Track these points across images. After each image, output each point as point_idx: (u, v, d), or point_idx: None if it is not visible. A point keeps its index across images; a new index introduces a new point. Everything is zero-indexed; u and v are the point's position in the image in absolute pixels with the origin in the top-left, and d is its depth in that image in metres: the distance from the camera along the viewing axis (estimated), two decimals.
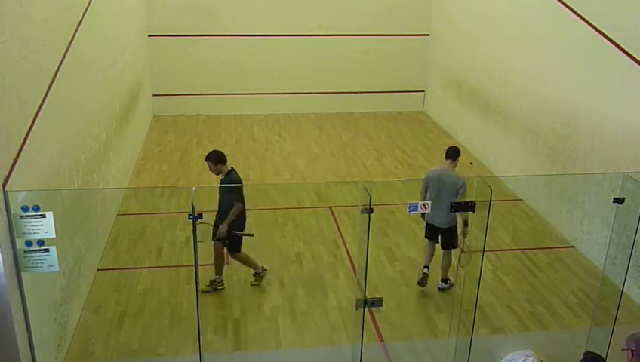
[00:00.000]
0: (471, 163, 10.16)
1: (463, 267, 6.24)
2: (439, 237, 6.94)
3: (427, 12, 13.96)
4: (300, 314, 6.56)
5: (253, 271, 7.03)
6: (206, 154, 6.67)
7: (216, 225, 6.64)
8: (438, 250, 7.01)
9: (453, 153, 6.93)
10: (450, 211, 6.58)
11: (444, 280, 7.07)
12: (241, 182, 6.61)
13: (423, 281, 6.99)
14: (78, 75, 6.91)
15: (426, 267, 7.03)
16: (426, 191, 6.89)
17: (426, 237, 7.09)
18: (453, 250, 6.97)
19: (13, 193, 4.60)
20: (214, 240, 6.70)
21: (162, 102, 13.70)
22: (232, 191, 6.49)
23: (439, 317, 6.52)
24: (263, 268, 7.03)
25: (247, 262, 6.95)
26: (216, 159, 6.55)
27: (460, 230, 6.77)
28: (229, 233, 6.56)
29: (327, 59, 13.98)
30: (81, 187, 6.79)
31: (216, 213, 6.71)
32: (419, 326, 6.39)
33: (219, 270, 6.94)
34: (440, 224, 6.84)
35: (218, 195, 6.66)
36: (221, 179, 6.59)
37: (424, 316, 6.56)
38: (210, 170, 6.63)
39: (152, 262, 7.51)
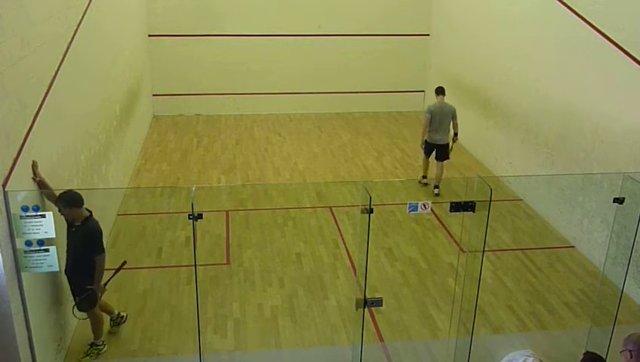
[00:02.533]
0: None
1: (449, 151, 9.61)
2: (435, 152, 9.55)
3: (427, 12, 13.96)
4: (300, 314, 6.56)
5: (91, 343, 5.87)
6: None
7: (71, 281, 5.61)
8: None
9: (443, 90, 9.54)
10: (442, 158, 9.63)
11: (437, 186, 9.55)
12: (101, 231, 5.57)
13: (423, 184, 9.95)
14: (78, 75, 6.91)
15: (424, 177, 9.90)
16: (431, 122, 9.33)
17: (425, 153, 9.72)
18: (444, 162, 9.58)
19: (14, 193, 4.61)
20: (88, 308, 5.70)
21: (162, 102, 13.70)
22: (94, 242, 5.47)
23: (439, 317, 6.52)
24: (103, 341, 5.90)
25: (97, 327, 5.83)
26: (69, 201, 5.24)
27: (451, 137, 9.52)
28: (89, 289, 5.59)
29: (327, 59, 13.97)
30: (81, 187, 6.79)
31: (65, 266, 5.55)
32: (419, 326, 6.39)
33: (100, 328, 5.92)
34: (440, 141, 9.48)
35: (67, 243, 5.48)
36: (76, 226, 5.40)
37: (424, 316, 6.56)
38: (60, 212, 5.27)
39: (151, 262, 7.51)
